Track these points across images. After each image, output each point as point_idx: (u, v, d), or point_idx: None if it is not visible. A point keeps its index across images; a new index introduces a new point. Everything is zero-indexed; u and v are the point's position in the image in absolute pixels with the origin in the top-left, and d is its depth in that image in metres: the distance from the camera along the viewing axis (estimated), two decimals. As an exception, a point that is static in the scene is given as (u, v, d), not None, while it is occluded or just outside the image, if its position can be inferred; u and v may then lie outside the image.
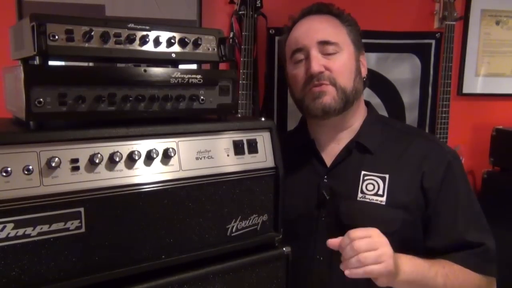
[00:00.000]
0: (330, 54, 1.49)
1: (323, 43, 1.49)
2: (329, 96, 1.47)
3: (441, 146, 1.57)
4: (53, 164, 0.97)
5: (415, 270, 1.34)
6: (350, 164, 1.53)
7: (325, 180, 1.53)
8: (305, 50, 1.50)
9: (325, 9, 1.58)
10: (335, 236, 1.44)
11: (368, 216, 1.44)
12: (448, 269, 1.38)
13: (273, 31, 2.33)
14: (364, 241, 1.24)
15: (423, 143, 1.54)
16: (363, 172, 1.49)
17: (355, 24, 1.59)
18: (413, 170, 1.48)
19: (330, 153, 1.58)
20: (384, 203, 1.44)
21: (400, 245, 1.43)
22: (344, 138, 1.57)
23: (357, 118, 1.59)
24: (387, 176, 1.47)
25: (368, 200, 1.46)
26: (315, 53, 1.48)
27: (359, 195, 1.47)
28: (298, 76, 1.53)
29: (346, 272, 1.24)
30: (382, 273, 1.24)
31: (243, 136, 1.26)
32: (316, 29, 1.51)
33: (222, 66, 1.34)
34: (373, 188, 1.46)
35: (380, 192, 1.45)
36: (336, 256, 1.45)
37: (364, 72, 1.60)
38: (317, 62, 1.47)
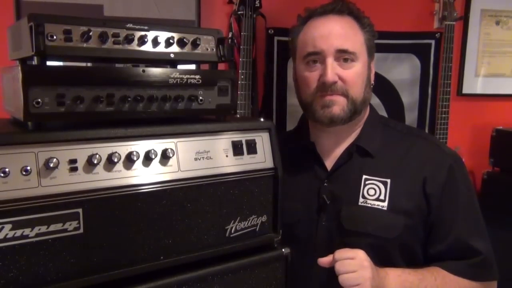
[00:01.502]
0: (346, 62, 1.46)
1: (341, 51, 1.45)
2: (339, 107, 1.45)
3: (442, 149, 1.56)
4: (51, 165, 0.96)
5: (402, 286, 1.34)
6: (351, 168, 1.51)
7: (326, 184, 1.51)
8: (321, 55, 1.46)
9: (346, 10, 1.53)
10: (335, 240, 1.44)
11: (370, 221, 1.43)
12: (440, 281, 1.38)
13: (272, 31, 2.33)
14: (344, 263, 1.29)
15: (424, 145, 1.53)
16: (364, 177, 1.48)
17: (372, 29, 1.55)
18: (414, 175, 1.47)
19: (330, 157, 1.56)
20: (385, 208, 1.43)
21: (401, 250, 1.43)
22: (346, 141, 1.56)
23: (361, 124, 1.58)
24: (388, 180, 1.46)
25: (369, 205, 1.45)
26: (331, 61, 1.44)
27: (360, 199, 1.46)
28: (310, 80, 1.49)
29: None
30: None
31: (242, 137, 1.26)
32: (337, 35, 1.46)
33: (221, 66, 1.33)
34: (375, 193, 1.45)
35: (382, 197, 1.44)
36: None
37: (372, 79, 1.58)
38: (333, 71, 1.43)
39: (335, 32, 1.47)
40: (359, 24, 1.53)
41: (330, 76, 1.43)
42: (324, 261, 1.33)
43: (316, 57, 1.47)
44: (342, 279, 1.26)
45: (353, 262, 1.28)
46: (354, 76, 1.46)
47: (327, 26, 1.50)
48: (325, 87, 1.45)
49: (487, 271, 1.44)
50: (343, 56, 1.45)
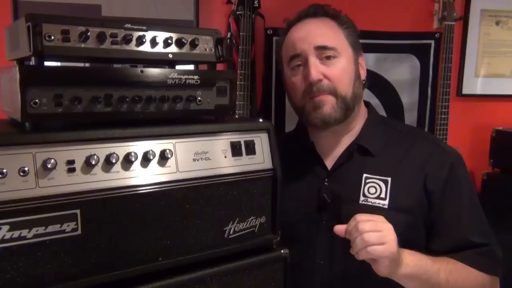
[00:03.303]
0: (328, 59, 1.46)
1: (321, 48, 1.46)
2: (329, 106, 1.45)
3: (443, 147, 1.57)
4: (49, 166, 0.96)
5: (418, 264, 1.33)
6: (352, 167, 1.51)
7: (326, 183, 1.51)
8: (302, 56, 1.48)
9: (321, 12, 1.55)
10: (336, 240, 1.44)
11: None
12: (452, 266, 1.37)
13: (271, 32, 2.33)
14: (369, 223, 1.26)
15: (425, 144, 1.53)
16: (364, 175, 1.48)
17: (352, 25, 1.56)
18: (415, 173, 1.47)
19: (330, 156, 1.56)
20: (386, 207, 1.43)
21: (402, 248, 1.42)
22: (345, 140, 1.56)
23: (358, 121, 1.57)
24: (389, 179, 1.45)
25: (370, 203, 1.44)
26: (313, 60, 1.46)
27: (361, 198, 1.46)
28: (296, 84, 1.50)
29: (355, 254, 1.27)
30: (384, 255, 1.24)
31: (240, 137, 1.25)
32: (314, 34, 1.49)
33: (220, 66, 1.33)
34: (375, 191, 1.45)
35: (383, 195, 1.44)
36: (336, 260, 1.45)
37: (363, 75, 1.58)
38: (316, 70, 1.44)
39: (312, 32, 1.50)
40: (336, 22, 1.54)
41: (314, 74, 1.44)
42: (341, 228, 1.30)
43: (299, 60, 1.49)
44: (367, 236, 1.23)
45: (377, 223, 1.27)
46: (339, 72, 1.47)
47: (304, 28, 1.53)
48: (312, 88, 1.45)
49: (493, 264, 1.44)
50: (325, 53, 1.46)
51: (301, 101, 1.50)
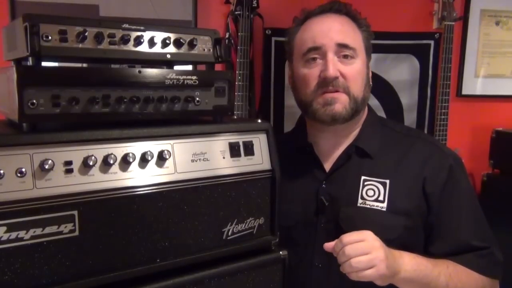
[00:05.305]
0: (346, 58, 1.45)
1: (342, 46, 1.45)
2: (341, 105, 1.44)
3: (442, 149, 1.56)
4: (47, 167, 0.96)
5: (418, 269, 1.32)
6: (350, 169, 1.50)
7: (324, 186, 1.51)
8: (322, 50, 1.45)
9: (344, 10, 1.54)
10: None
11: (369, 222, 1.42)
12: (452, 269, 1.37)
13: (270, 32, 2.33)
14: (355, 246, 1.24)
15: (424, 146, 1.52)
16: (363, 178, 1.47)
17: (369, 30, 1.55)
18: (414, 175, 1.46)
19: (329, 158, 1.55)
20: (385, 209, 1.42)
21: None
22: (344, 142, 1.55)
23: (358, 124, 1.57)
24: (387, 181, 1.45)
25: (368, 206, 1.44)
26: (332, 56, 1.44)
27: (359, 201, 1.45)
28: (310, 77, 1.47)
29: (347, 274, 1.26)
30: (375, 278, 1.24)
31: (239, 138, 1.25)
32: (336, 30, 1.47)
33: (218, 67, 1.33)
34: (374, 193, 1.44)
35: (381, 198, 1.43)
36: (334, 263, 1.44)
37: (370, 79, 1.57)
38: (334, 66, 1.43)
39: (335, 28, 1.48)
40: (356, 24, 1.53)
41: (332, 70, 1.42)
42: (330, 245, 1.29)
43: (316, 53, 1.47)
44: (355, 262, 1.22)
45: (364, 244, 1.25)
46: (355, 72, 1.46)
47: (327, 22, 1.51)
48: (326, 83, 1.44)
49: (493, 266, 1.43)
50: (343, 51, 1.45)
51: (311, 95, 1.48)
